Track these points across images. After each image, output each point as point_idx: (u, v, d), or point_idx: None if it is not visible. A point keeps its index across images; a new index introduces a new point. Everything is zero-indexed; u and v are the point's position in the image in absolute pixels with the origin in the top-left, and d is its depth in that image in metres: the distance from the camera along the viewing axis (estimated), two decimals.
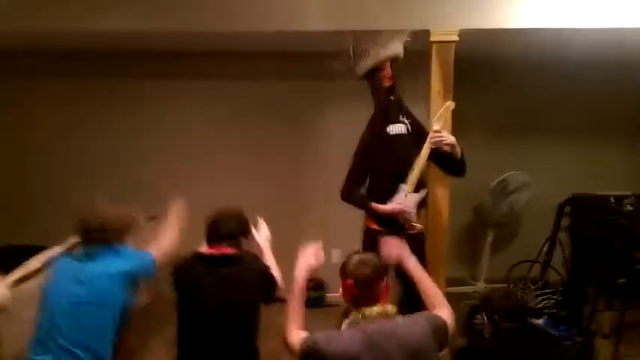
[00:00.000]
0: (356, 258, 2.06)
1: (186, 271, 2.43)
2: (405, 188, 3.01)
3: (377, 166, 3.11)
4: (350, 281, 1.99)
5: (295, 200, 4.76)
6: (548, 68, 4.84)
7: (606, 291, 3.92)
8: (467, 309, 4.33)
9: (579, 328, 3.83)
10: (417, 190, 3.05)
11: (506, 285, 4.53)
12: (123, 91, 4.74)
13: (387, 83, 3.08)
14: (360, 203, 3.11)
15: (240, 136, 4.77)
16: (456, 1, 3.40)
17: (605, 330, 3.93)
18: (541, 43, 4.11)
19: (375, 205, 3.03)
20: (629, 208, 4.25)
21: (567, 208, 4.81)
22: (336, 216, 3.95)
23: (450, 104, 3.06)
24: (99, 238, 2.37)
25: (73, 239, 3.12)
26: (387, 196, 3.05)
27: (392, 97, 3.12)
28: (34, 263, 2.74)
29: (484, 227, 5.06)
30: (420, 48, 3.58)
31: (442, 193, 3.58)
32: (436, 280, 3.57)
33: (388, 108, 3.11)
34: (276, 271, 2.62)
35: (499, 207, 4.76)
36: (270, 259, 2.70)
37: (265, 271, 2.49)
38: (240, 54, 4.49)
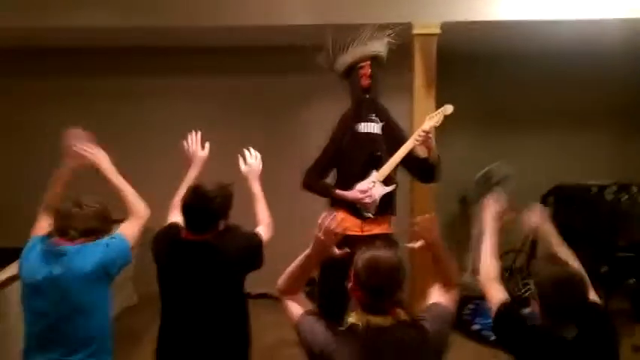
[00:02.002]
0: (367, 257, 1.74)
1: (166, 254, 2.33)
2: (376, 176, 3.01)
3: (343, 163, 3.10)
4: (357, 288, 1.73)
5: (281, 195, 4.75)
6: (531, 60, 4.89)
7: (590, 279, 3.97)
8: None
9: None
10: (387, 183, 3.04)
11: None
12: (103, 88, 4.69)
13: (364, 82, 3.06)
14: (323, 190, 3.11)
15: (222, 131, 4.73)
16: None
17: None
18: (523, 36, 4.15)
19: (338, 191, 3.03)
20: (611, 197, 4.32)
21: (551, 199, 4.86)
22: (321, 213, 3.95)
23: (448, 108, 3.03)
24: (81, 226, 2.13)
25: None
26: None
27: (367, 96, 3.09)
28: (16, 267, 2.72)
29: (469, 218, 5.10)
30: (402, 41, 3.61)
31: (427, 185, 3.61)
32: (423, 271, 3.63)
33: (361, 106, 3.09)
34: (265, 211, 2.56)
35: (484, 198, 4.79)
36: (261, 199, 2.61)
37: (246, 246, 2.35)
38: (221, 49, 4.46)
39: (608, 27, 3.65)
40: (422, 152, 3.06)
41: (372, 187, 2.98)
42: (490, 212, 2.28)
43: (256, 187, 2.65)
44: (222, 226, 2.28)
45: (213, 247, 2.22)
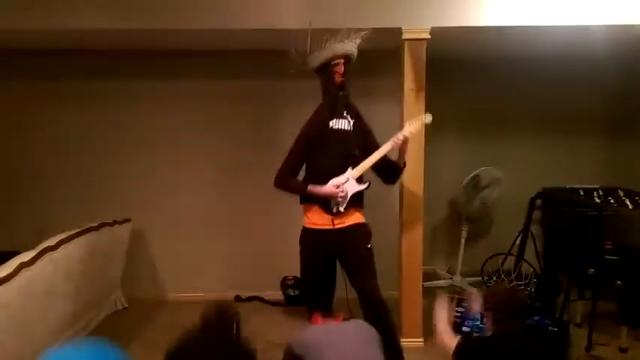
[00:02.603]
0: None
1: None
2: (351, 173, 3.09)
3: (315, 158, 3.14)
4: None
5: (277, 197, 4.75)
6: (519, 66, 4.95)
7: (578, 281, 4.02)
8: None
9: (553, 318, 3.93)
10: (360, 181, 3.13)
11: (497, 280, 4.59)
12: (102, 90, 4.66)
13: (338, 79, 3.12)
14: (295, 188, 3.15)
15: (218, 135, 4.74)
16: (427, 0, 3.46)
17: (577, 319, 4.04)
18: (512, 42, 4.20)
19: (312, 186, 3.08)
20: (598, 200, 4.37)
21: (538, 202, 4.91)
22: None
23: (428, 117, 3.18)
24: None
25: (44, 244, 3.08)
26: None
27: (341, 93, 3.16)
28: (6, 269, 2.70)
29: (459, 222, 5.14)
30: (392, 46, 3.63)
31: (416, 188, 3.64)
32: (413, 274, 3.65)
33: (334, 102, 3.15)
34: None
35: (472, 202, 4.84)
36: None
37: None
38: (214, 52, 4.47)
39: (596, 34, 3.70)
40: (392, 155, 3.21)
41: (345, 183, 3.07)
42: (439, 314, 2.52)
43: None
44: None
45: None
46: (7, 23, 3.48)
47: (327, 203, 3.10)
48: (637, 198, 4.28)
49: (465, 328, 3.92)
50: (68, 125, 4.69)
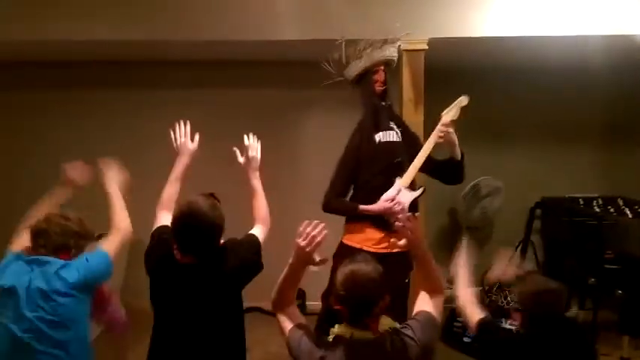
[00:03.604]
0: (346, 272, 1.76)
1: (161, 277, 2.19)
2: (400, 183, 2.84)
3: (363, 176, 2.91)
4: (339, 304, 1.77)
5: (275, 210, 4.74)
6: (517, 76, 4.96)
7: (578, 291, 4.00)
8: (445, 313, 4.39)
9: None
10: (413, 188, 2.88)
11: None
12: (101, 100, 4.70)
13: (379, 88, 2.93)
14: (347, 209, 2.90)
15: (218, 145, 4.74)
16: (424, 11, 3.48)
17: None
18: (509, 52, 4.22)
19: (363, 206, 2.82)
20: (597, 209, 4.37)
21: (538, 211, 4.91)
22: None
23: (464, 99, 2.92)
24: (58, 242, 2.15)
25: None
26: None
27: (383, 103, 2.96)
28: None
29: (459, 231, 5.13)
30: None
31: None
32: (414, 284, 3.63)
33: (378, 114, 2.94)
34: (264, 208, 2.50)
35: (472, 211, 4.83)
36: (259, 194, 2.53)
37: (244, 262, 2.26)
38: (217, 63, 4.50)
39: (593, 43, 3.72)
40: (438, 153, 2.97)
41: (398, 195, 2.81)
42: (460, 258, 2.37)
43: (256, 181, 2.54)
44: (217, 244, 2.20)
45: (211, 269, 2.14)
46: (7, 35, 3.50)
47: (382, 220, 2.82)
48: (636, 207, 4.27)
49: (465, 339, 3.91)
50: (68, 134, 4.70)
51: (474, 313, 2.10)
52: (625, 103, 5.14)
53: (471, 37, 3.52)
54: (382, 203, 2.80)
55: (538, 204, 4.88)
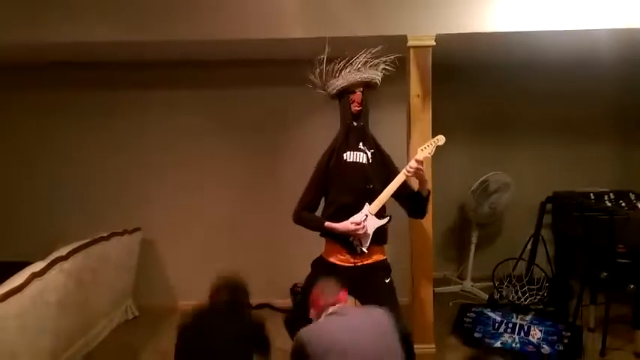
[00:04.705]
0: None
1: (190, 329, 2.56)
2: (368, 209, 2.90)
3: (332, 193, 2.97)
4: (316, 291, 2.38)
5: (283, 206, 4.76)
6: (526, 70, 4.93)
7: (590, 285, 3.98)
8: (456, 308, 4.38)
9: (566, 324, 3.89)
10: (380, 216, 2.94)
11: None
12: (102, 101, 4.72)
13: (354, 108, 2.96)
14: (313, 224, 2.99)
15: (224, 144, 4.76)
16: (431, 7, 3.47)
17: (590, 324, 3.99)
18: (518, 47, 4.19)
19: (329, 223, 2.91)
20: (609, 203, 4.33)
21: (549, 206, 4.88)
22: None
23: (441, 139, 2.92)
24: None
25: (55, 254, 3.11)
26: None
27: (355, 123, 2.98)
28: (17, 279, 2.73)
29: (469, 227, 5.12)
30: (398, 53, 3.63)
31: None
32: (424, 281, 3.64)
33: (349, 134, 2.97)
34: None
35: (482, 207, 4.82)
36: None
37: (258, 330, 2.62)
38: (219, 62, 4.50)
39: (603, 37, 3.68)
40: (414, 184, 3.01)
41: (365, 220, 2.88)
42: None
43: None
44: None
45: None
46: (8, 37, 3.53)
47: (348, 242, 2.92)
48: None
49: (477, 334, 3.90)
50: (78, 135, 4.74)
51: None
52: (636, 97, 5.10)
53: (478, 33, 3.49)
54: (347, 224, 2.88)
55: (549, 199, 4.85)
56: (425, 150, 2.90)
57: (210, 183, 4.77)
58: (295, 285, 4.63)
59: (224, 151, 4.77)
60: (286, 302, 4.61)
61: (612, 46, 3.95)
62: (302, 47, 3.93)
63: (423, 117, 3.52)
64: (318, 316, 2.40)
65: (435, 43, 3.47)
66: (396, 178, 2.89)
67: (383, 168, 3.00)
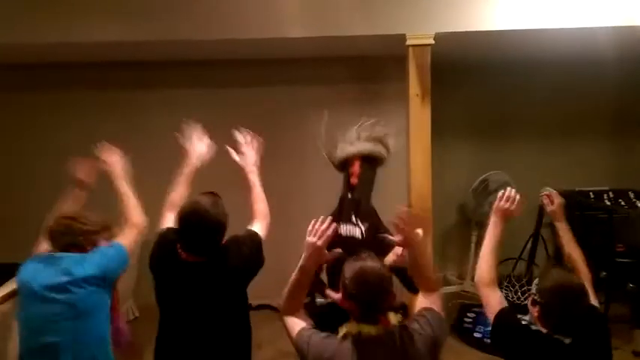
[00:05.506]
0: (355, 269, 1.79)
1: (166, 276, 2.28)
2: None
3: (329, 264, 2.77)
4: (346, 299, 1.79)
5: (281, 210, 4.76)
6: (525, 69, 4.93)
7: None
8: (456, 308, 4.39)
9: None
10: None
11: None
12: (106, 101, 4.72)
13: (352, 180, 2.84)
14: (316, 288, 2.78)
15: (225, 143, 4.76)
16: (430, 6, 3.47)
17: None
18: (517, 45, 4.19)
19: (329, 291, 2.61)
20: (608, 202, 4.34)
21: None
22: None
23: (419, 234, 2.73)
24: (67, 241, 2.24)
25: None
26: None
27: (349, 196, 2.86)
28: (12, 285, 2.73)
29: (468, 227, 5.12)
30: (397, 52, 3.65)
31: (425, 194, 3.63)
32: None
33: (343, 205, 2.87)
34: (262, 202, 2.57)
35: (482, 207, 4.82)
36: (256, 189, 2.61)
37: (247, 258, 2.32)
38: (220, 62, 4.51)
39: (602, 35, 3.68)
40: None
41: None
42: (497, 208, 2.28)
43: (252, 175, 2.60)
44: (220, 242, 2.24)
45: (215, 267, 2.19)
46: (10, 37, 3.54)
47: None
48: None
49: (476, 334, 3.91)
50: (79, 136, 4.73)
51: (491, 300, 2.03)
52: (635, 95, 5.10)
53: (477, 31, 3.50)
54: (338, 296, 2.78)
55: None
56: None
57: (210, 183, 4.76)
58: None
59: (224, 150, 4.77)
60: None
61: (610, 44, 3.95)
62: (301, 46, 3.96)
63: (422, 116, 3.52)
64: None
65: (434, 42, 3.48)
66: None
67: (378, 245, 2.73)
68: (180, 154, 2.78)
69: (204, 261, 2.18)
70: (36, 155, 4.78)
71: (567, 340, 1.84)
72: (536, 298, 1.93)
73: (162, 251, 2.31)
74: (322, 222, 1.89)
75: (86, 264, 2.19)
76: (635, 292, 3.63)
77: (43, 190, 4.85)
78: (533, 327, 1.94)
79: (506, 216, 2.25)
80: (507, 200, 2.24)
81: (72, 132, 4.73)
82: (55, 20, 3.51)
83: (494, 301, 2.03)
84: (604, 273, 3.75)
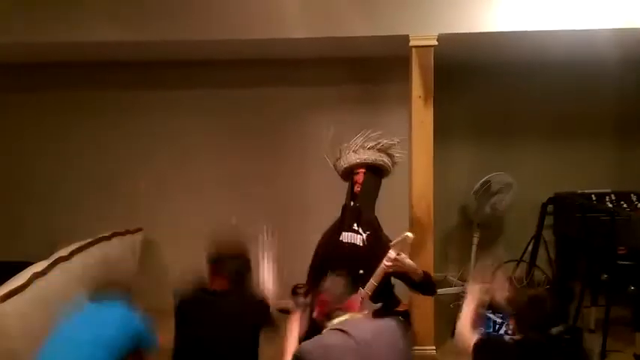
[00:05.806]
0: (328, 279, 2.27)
1: (191, 306, 2.52)
2: (362, 293, 2.73)
3: (330, 270, 2.74)
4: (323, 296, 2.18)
5: (281, 209, 4.76)
6: (528, 70, 4.93)
7: (591, 287, 3.97)
8: (457, 310, 4.37)
9: (566, 325, 3.88)
10: (375, 300, 2.75)
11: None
12: (107, 101, 4.73)
13: (356, 188, 2.91)
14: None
15: (226, 144, 4.77)
16: (433, 7, 3.47)
17: (591, 326, 3.99)
18: (519, 47, 4.19)
19: None
20: (610, 204, 4.33)
21: (550, 207, 4.88)
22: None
23: (410, 237, 2.66)
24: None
25: (57, 254, 3.12)
26: None
27: (352, 203, 2.91)
28: (19, 280, 2.73)
29: (470, 228, 5.11)
30: (400, 53, 3.65)
31: (426, 195, 3.62)
32: None
33: (344, 213, 2.92)
34: (270, 288, 2.71)
35: (483, 208, 4.81)
36: (268, 277, 2.78)
37: (260, 305, 2.54)
38: (222, 62, 4.51)
39: (604, 37, 3.68)
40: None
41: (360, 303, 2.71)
42: (473, 289, 2.51)
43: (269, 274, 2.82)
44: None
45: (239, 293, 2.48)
46: (13, 37, 3.54)
47: None
48: None
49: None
50: (80, 136, 4.75)
51: (467, 338, 2.25)
52: (637, 97, 5.09)
53: (480, 33, 3.50)
54: None
55: (550, 200, 4.85)
56: (395, 247, 2.69)
57: (211, 183, 4.78)
58: (296, 286, 4.62)
59: (226, 151, 4.77)
60: (287, 303, 4.61)
61: (612, 46, 3.96)
62: (304, 47, 3.96)
63: (425, 118, 3.52)
64: (322, 318, 2.21)
65: (437, 43, 3.48)
66: (377, 271, 2.70)
67: (376, 254, 2.78)
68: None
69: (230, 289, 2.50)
70: (36, 155, 4.79)
71: (541, 339, 2.07)
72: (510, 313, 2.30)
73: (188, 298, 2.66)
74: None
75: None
76: (636, 295, 3.61)
77: (43, 190, 4.89)
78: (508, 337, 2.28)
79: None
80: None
81: (72, 132, 4.74)
82: (55, 20, 3.52)
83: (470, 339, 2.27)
84: (605, 275, 3.74)
